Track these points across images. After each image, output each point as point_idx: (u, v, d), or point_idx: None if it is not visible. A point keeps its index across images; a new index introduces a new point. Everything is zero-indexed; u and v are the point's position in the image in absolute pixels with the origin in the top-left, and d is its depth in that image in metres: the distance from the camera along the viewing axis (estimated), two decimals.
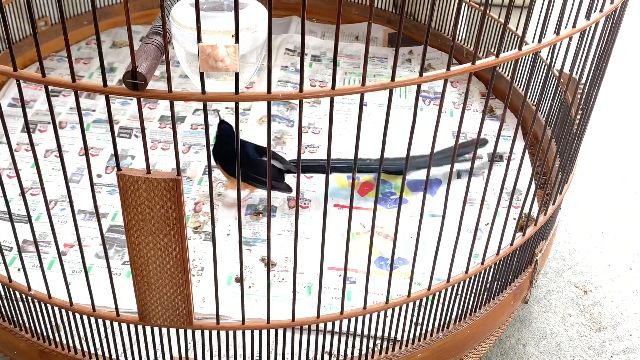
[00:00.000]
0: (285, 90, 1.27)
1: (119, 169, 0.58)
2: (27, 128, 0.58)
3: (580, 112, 0.93)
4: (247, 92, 0.55)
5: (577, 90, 0.94)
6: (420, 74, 0.58)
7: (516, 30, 1.20)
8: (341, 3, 0.50)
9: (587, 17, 0.68)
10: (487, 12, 0.59)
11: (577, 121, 0.96)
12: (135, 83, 0.53)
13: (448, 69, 0.58)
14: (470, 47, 1.32)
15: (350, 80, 1.31)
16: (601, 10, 0.69)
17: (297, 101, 1.24)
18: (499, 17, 1.24)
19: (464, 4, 1.30)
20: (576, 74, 0.86)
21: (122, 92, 0.55)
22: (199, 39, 0.51)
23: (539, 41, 0.64)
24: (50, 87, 0.56)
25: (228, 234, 0.96)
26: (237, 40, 0.52)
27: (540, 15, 0.74)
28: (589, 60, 0.80)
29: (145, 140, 0.57)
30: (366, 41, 0.52)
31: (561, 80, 0.81)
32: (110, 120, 0.56)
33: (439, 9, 1.36)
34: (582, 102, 0.93)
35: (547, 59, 0.72)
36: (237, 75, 0.53)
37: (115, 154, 0.57)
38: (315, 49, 1.41)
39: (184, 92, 0.55)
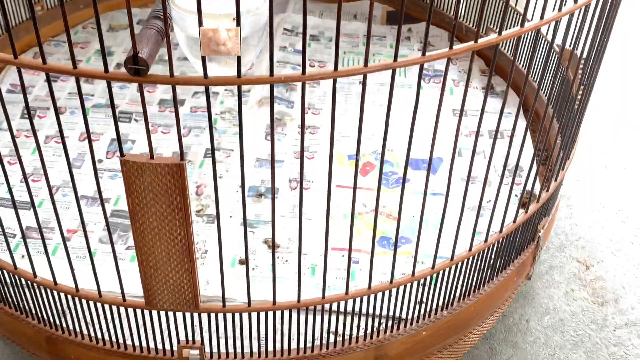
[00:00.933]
0: (284, 71, 1.27)
1: (122, 154, 0.58)
2: (29, 114, 0.58)
3: (581, 89, 0.93)
4: (249, 76, 0.55)
5: (579, 67, 0.94)
6: (423, 54, 0.57)
7: (516, 5, 1.20)
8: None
9: None
10: None
11: (579, 98, 0.96)
12: (136, 68, 0.53)
13: (451, 47, 0.58)
14: (470, 24, 1.31)
15: (350, 60, 1.31)
16: None
17: (297, 82, 1.24)
18: None
19: None
20: (577, 49, 0.86)
21: (123, 77, 0.55)
22: (200, 23, 0.51)
23: (541, 18, 0.64)
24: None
25: (230, 217, 0.96)
26: (238, 24, 0.52)
27: None
28: (590, 37, 0.79)
29: (147, 125, 0.56)
30: (368, 22, 0.52)
31: (562, 57, 0.81)
32: (113, 107, 0.56)
33: None
34: (583, 79, 0.93)
35: (547, 35, 0.72)
36: (239, 58, 0.53)
37: (119, 140, 0.57)
38: (314, 28, 1.40)
39: (185, 76, 0.55)
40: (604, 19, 0.82)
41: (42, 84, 1.20)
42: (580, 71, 0.93)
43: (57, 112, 0.58)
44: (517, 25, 0.63)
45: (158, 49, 0.57)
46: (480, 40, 0.60)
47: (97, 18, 0.52)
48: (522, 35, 0.65)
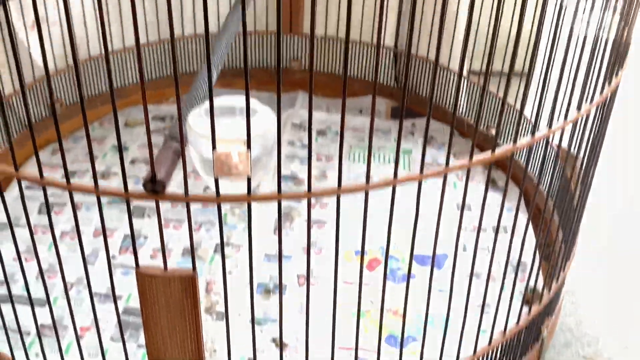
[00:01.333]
0: (292, 165, 1.31)
1: (137, 265, 0.61)
2: (48, 213, 0.61)
3: (579, 186, 0.97)
4: (258, 193, 0.59)
5: (575, 165, 0.98)
6: (421, 171, 0.61)
7: (514, 104, 1.25)
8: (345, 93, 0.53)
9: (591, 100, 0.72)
10: (486, 88, 0.63)
11: (577, 195, 0.99)
12: (154, 189, 0.57)
13: (470, 158, 0.61)
14: (470, 119, 1.36)
15: (356, 155, 1.35)
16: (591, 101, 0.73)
17: (303, 175, 1.28)
18: (497, 91, 1.29)
19: (463, 79, 1.35)
20: (574, 150, 0.90)
21: (142, 195, 0.58)
22: (214, 147, 0.55)
23: (549, 126, 0.68)
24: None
25: (239, 315, 0.98)
26: (249, 147, 0.56)
27: (540, 91, 0.78)
28: (587, 139, 0.84)
29: (162, 238, 0.60)
30: (370, 125, 0.56)
31: (560, 156, 0.85)
32: (131, 223, 0.59)
33: (439, 83, 1.41)
34: (581, 177, 0.96)
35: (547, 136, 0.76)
36: (249, 178, 0.57)
37: (135, 253, 0.60)
38: (321, 123, 1.45)
39: (199, 195, 0.58)
40: (600, 123, 0.86)
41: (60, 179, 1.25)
42: (577, 169, 0.97)
43: (75, 209, 0.61)
44: (529, 133, 0.67)
45: (174, 168, 0.61)
46: (497, 151, 0.64)
47: (119, 139, 0.56)
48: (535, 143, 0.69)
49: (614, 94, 0.85)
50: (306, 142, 1.39)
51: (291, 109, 1.49)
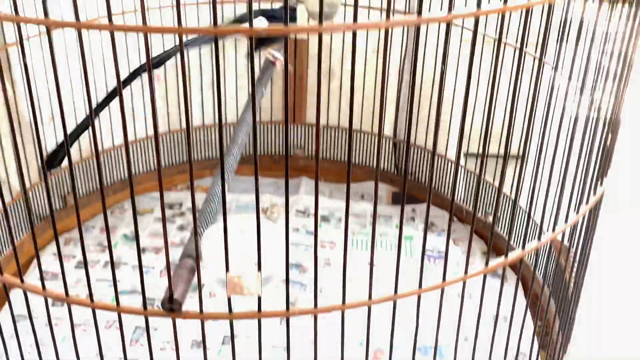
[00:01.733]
0: (297, 252, 1.35)
1: None
2: (51, 327, 0.65)
3: (574, 276, 1.01)
4: (268, 310, 0.63)
5: (569, 256, 1.03)
6: (420, 285, 0.65)
7: (510, 193, 1.30)
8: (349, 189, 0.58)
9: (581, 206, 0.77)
10: (482, 180, 0.68)
11: (572, 284, 1.03)
12: (171, 308, 0.62)
13: (486, 264, 0.66)
14: (468, 205, 1.41)
15: (358, 242, 1.40)
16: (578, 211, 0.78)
17: (308, 264, 1.32)
18: (493, 179, 1.35)
19: (460, 167, 1.41)
20: (567, 242, 0.95)
21: (159, 313, 0.63)
22: (227, 269, 0.60)
23: (553, 230, 0.74)
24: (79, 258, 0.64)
25: None
26: (259, 269, 0.60)
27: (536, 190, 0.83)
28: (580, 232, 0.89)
29: (178, 354, 0.64)
30: (373, 215, 0.61)
31: (554, 247, 0.90)
32: (149, 338, 0.64)
33: (437, 171, 1.47)
34: (575, 267, 1.00)
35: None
36: (259, 297, 0.61)
37: None
38: (324, 209, 1.51)
39: (214, 313, 0.63)
40: (593, 219, 0.91)
41: (72, 270, 1.29)
42: (571, 260, 1.01)
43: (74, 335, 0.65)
44: (535, 238, 0.72)
45: (189, 286, 0.65)
46: (510, 256, 0.68)
47: (138, 249, 0.60)
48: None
49: (604, 193, 0.90)
50: (310, 229, 1.44)
51: (296, 195, 1.54)
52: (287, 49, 0.56)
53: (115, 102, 1.40)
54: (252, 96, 0.55)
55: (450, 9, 0.52)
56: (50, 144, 1.34)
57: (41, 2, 0.52)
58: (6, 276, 0.67)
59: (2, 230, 1.26)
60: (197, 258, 0.64)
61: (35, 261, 1.30)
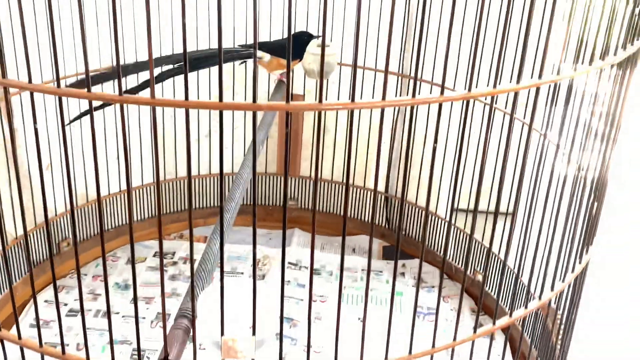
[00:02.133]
0: (287, 305, 1.36)
1: None
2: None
3: (560, 339, 1.03)
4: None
5: (556, 319, 1.04)
6: (410, 351, 0.67)
7: (498, 252, 1.32)
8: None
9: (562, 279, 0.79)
10: (472, 237, 0.70)
11: (559, 346, 1.05)
12: None
13: (474, 331, 0.67)
14: (458, 263, 1.43)
15: (350, 296, 1.41)
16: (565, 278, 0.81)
17: (299, 317, 1.33)
18: (482, 238, 1.37)
19: (453, 227, 1.43)
20: (554, 304, 0.97)
21: None
22: (222, 333, 0.61)
23: (540, 298, 0.76)
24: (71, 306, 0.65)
25: None
26: (254, 333, 0.62)
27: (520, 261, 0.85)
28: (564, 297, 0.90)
29: None
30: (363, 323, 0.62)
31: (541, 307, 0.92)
32: None
33: (429, 229, 1.49)
34: (562, 330, 1.02)
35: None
36: None
37: None
38: (316, 262, 1.52)
39: None
40: (579, 284, 0.93)
41: (63, 318, 1.29)
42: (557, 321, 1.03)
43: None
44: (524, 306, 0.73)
45: (184, 347, 0.66)
46: (498, 323, 0.70)
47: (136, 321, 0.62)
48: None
49: (589, 262, 0.92)
50: (301, 281, 1.45)
51: (288, 246, 1.56)
52: (290, 122, 0.59)
53: (112, 153, 1.43)
54: (253, 157, 0.57)
55: (442, 90, 0.55)
56: (48, 191, 1.36)
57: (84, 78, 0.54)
58: (4, 332, 0.68)
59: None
60: (194, 320, 0.66)
61: (26, 308, 1.31)
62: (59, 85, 0.54)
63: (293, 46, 1.29)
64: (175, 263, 1.49)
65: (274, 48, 1.35)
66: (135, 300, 0.63)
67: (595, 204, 0.91)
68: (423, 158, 1.44)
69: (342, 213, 1.62)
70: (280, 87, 1.38)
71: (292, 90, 1.48)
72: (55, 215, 1.39)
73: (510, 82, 0.60)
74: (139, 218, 1.55)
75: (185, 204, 1.62)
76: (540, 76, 0.60)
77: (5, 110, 1.26)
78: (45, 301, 1.34)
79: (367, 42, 1.46)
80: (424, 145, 1.41)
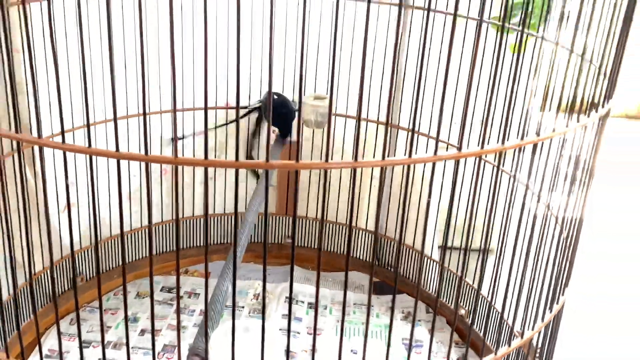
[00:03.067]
0: (283, 339, 1.36)
1: None
2: None
3: None
4: None
5: (535, 354, 1.05)
6: None
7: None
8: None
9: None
10: (463, 279, 0.71)
11: None
12: None
13: None
14: (447, 300, 1.44)
15: (344, 329, 1.41)
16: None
17: (296, 349, 1.33)
18: (465, 276, 1.38)
19: (446, 270, 1.45)
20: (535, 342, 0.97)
21: None
22: None
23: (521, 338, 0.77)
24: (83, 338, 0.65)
25: None
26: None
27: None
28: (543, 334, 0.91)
29: None
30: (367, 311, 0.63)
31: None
32: None
33: (414, 264, 1.50)
34: None
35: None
36: None
37: None
38: (312, 296, 1.52)
39: None
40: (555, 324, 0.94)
41: (76, 350, 1.29)
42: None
43: None
44: (506, 344, 0.74)
45: None
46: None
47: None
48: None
49: (564, 303, 0.94)
50: (298, 315, 1.45)
51: (285, 282, 1.56)
52: (298, 181, 0.61)
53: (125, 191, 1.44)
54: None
55: (435, 150, 0.57)
56: (64, 232, 1.36)
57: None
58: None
59: (9, 313, 1.26)
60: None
61: (39, 341, 1.30)
62: (63, 141, 0.55)
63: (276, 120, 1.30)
64: (181, 297, 1.49)
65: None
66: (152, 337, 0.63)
67: (570, 248, 0.93)
68: (420, 202, 1.46)
69: (334, 250, 1.63)
70: (276, 145, 1.38)
71: (300, 150, 1.50)
72: (71, 253, 1.39)
73: (497, 142, 0.62)
74: (143, 255, 1.55)
75: (190, 242, 1.62)
76: (522, 138, 0.62)
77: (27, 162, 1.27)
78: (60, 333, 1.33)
79: (349, 90, 1.49)
80: (420, 192, 1.43)
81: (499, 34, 1.17)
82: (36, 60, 1.13)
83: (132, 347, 1.31)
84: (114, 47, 0.53)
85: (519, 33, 0.65)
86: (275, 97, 1.40)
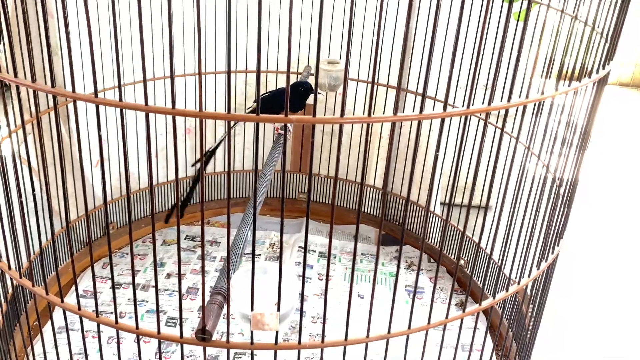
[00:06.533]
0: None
1: None
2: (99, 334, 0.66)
3: (532, 321, 1.03)
4: (283, 343, 0.65)
5: (529, 305, 1.04)
6: (409, 327, 0.67)
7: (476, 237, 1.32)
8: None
9: (538, 266, 0.80)
10: (464, 233, 0.70)
11: (530, 328, 1.05)
12: (203, 337, 0.63)
13: (429, 321, 0.68)
14: (449, 253, 1.44)
15: (350, 276, 1.41)
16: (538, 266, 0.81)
17: (308, 293, 1.33)
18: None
19: (448, 225, 1.44)
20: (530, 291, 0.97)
21: (194, 342, 0.64)
22: (252, 308, 0.62)
23: (518, 282, 0.75)
24: (114, 280, 0.65)
25: None
26: (279, 309, 0.62)
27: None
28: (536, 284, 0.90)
29: None
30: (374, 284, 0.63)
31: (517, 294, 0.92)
32: None
33: (419, 218, 1.49)
34: (533, 313, 1.02)
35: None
36: (277, 332, 0.63)
37: None
38: (322, 246, 1.53)
39: (238, 342, 0.64)
40: (549, 273, 0.93)
41: (108, 290, 1.30)
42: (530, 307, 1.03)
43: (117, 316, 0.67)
44: (504, 290, 0.73)
45: (218, 320, 0.67)
46: (483, 304, 0.70)
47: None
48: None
49: (559, 254, 0.93)
50: (310, 262, 1.45)
51: (298, 233, 1.56)
52: (314, 136, 0.59)
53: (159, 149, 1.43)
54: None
55: (445, 107, 0.55)
56: (97, 184, 1.36)
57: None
58: (66, 303, 0.69)
59: (50, 254, 1.27)
60: (228, 298, 0.66)
61: (78, 279, 1.31)
62: (96, 95, 0.54)
63: (292, 99, 1.18)
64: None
65: (272, 104, 1.20)
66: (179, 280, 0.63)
67: (567, 204, 0.91)
68: (425, 161, 1.44)
69: (343, 205, 1.62)
70: (278, 140, 1.28)
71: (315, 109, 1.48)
72: (104, 203, 1.39)
73: (502, 100, 0.60)
74: (167, 207, 1.54)
75: (213, 196, 1.62)
76: (527, 96, 0.60)
77: (64, 118, 1.26)
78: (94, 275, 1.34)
79: (361, 56, 1.46)
80: (426, 153, 1.41)
81: (505, 2, 1.13)
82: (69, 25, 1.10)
83: (159, 289, 1.32)
84: (143, 16, 0.51)
85: (525, 0, 0.62)
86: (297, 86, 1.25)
